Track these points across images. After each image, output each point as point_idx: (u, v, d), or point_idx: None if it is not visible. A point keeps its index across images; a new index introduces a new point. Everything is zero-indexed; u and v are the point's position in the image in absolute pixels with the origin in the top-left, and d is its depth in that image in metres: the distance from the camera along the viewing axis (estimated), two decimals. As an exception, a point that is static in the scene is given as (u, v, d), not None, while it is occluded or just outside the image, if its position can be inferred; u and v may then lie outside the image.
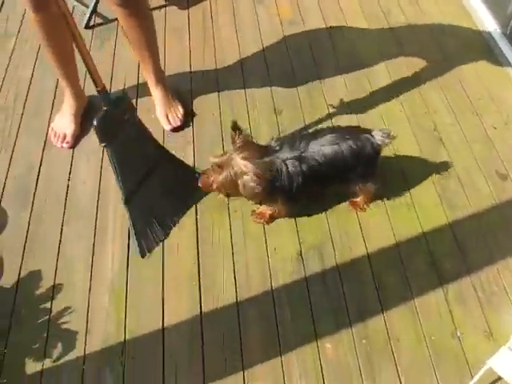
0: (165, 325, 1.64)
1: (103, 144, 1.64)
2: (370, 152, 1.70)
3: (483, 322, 1.66)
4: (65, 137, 2.08)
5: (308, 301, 1.69)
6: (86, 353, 1.59)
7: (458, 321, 1.66)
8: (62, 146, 2.08)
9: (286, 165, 1.64)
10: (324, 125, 2.14)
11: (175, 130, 2.14)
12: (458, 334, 1.64)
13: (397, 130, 2.10)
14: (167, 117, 2.15)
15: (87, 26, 2.54)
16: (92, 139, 2.08)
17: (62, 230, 1.85)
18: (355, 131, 1.76)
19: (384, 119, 2.18)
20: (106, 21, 2.58)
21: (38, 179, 1.99)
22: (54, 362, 1.57)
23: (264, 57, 2.44)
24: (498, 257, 1.80)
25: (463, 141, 2.12)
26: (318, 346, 1.61)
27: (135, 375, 1.55)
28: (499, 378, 1.50)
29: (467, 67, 2.40)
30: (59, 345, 1.60)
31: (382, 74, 2.37)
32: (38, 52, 2.42)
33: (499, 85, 2.33)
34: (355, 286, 1.73)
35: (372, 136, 1.71)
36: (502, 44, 2.47)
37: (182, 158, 1.99)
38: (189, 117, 2.19)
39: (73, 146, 2.09)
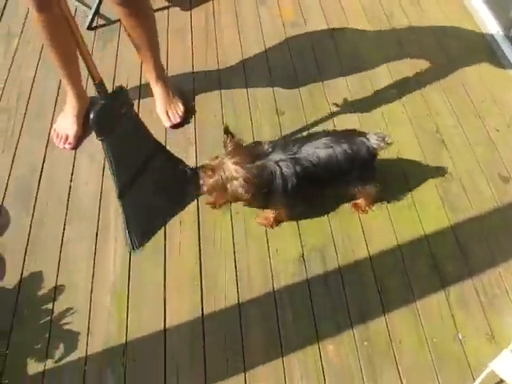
0: (166, 325, 1.64)
1: (100, 138, 1.62)
2: (365, 156, 1.70)
3: (485, 325, 1.66)
4: (67, 138, 2.08)
5: (310, 302, 1.69)
6: (88, 353, 1.59)
7: (459, 323, 1.66)
8: (64, 147, 2.09)
9: (279, 166, 1.64)
10: (326, 126, 2.14)
11: (175, 126, 2.14)
12: (460, 336, 1.64)
13: (399, 131, 2.12)
14: (167, 113, 2.15)
15: (90, 27, 2.54)
16: (94, 140, 2.05)
17: (64, 230, 1.85)
18: (350, 134, 1.75)
19: (386, 121, 2.18)
20: (109, 22, 2.58)
21: (40, 180, 1.99)
22: (56, 362, 1.57)
23: (266, 58, 2.44)
24: (500, 259, 1.80)
25: (465, 143, 2.12)
26: (319, 348, 1.60)
27: (137, 376, 1.56)
28: (501, 381, 1.49)
29: (470, 69, 2.39)
30: (61, 345, 1.60)
31: (384, 75, 2.36)
32: (40, 52, 2.42)
33: (502, 87, 2.33)
34: (357, 288, 1.73)
35: (367, 139, 1.70)
36: (505, 46, 2.46)
37: (183, 159, 1.99)
38: (189, 114, 2.19)
39: (75, 147, 2.09)
